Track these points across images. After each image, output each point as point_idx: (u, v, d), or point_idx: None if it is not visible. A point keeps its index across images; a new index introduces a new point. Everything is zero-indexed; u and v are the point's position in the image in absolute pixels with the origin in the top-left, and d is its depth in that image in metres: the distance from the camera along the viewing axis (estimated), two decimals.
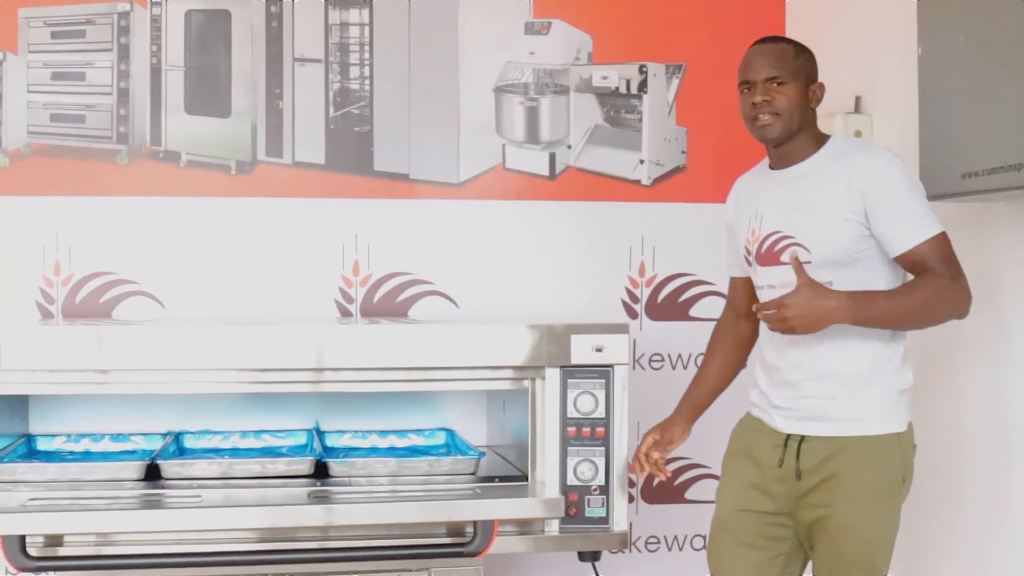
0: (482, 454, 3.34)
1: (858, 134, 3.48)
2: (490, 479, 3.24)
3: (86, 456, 3.44)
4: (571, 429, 3.21)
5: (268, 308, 3.81)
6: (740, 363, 3.19)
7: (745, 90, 2.87)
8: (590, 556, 3.28)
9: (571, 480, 3.21)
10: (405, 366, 3.20)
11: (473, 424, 3.74)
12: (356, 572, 3.09)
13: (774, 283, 2.83)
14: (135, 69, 3.84)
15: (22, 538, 2.88)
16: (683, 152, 4.10)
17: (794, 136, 2.84)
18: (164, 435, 3.55)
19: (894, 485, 2.79)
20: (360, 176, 3.93)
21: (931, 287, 2.65)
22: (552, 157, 4.05)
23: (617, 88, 4.06)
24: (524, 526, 3.18)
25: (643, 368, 4.02)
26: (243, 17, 3.90)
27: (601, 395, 3.22)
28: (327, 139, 3.93)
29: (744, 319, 3.15)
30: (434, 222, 3.96)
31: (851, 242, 2.72)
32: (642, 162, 4.08)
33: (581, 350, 3.21)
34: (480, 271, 3.95)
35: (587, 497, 3.22)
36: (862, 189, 2.69)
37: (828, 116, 3.55)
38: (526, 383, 3.23)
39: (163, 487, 3.13)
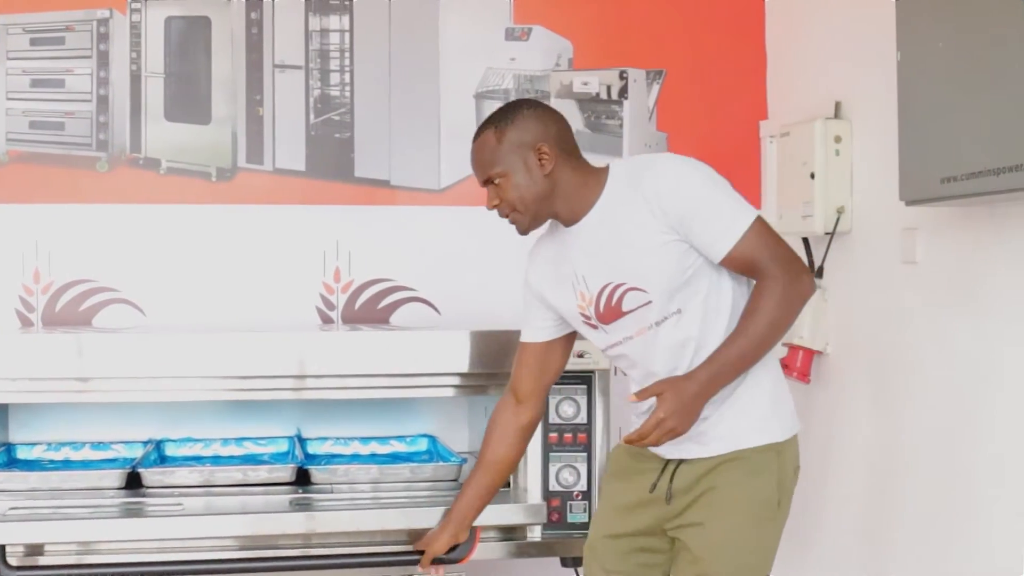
0: (464, 460, 3.34)
1: (838, 139, 3.48)
2: None
3: (66, 465, 3.43)
4: (553, 435, 3.22)
5: (249, 315, 3.80)
6: (520, 454, 2.97)
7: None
8: (572, 562, 3.29)
9: (553, 486, 3.22)
10: (387, 372, 3.21)
11: (455, 430, 3.74)
12: None
13: (631, 333, 2.67)
14: (115, 76, 3.83)
15: (2, 548, 2.87)
16: None
17: (553, 204, 2.67)
18: (145, 443, 3.53)
19: (768, 506, 2.64)
20: (341, 183, 3.93)
21: (771, 304, 2.52)
22: None
23: (598, 94, 4.06)
24: (506, 532, 3.19)
25: (625, 374, 4.00)
26: (223, 23, 3.89)
27: (583, 401, 3.23)
28: (307, 146, 3.93)
29: (523, 404, 2.89)
30: (415, 228, 3.95)
31: (678, 262, 2.56)
32: None
33: None
34: (461, 277, 3.94)
35: (569, 503, 3.23)
36: (664, 208, 2.53)
37: (808, 121, 3.56)
38: None
39: (144, 495, 3.12)
